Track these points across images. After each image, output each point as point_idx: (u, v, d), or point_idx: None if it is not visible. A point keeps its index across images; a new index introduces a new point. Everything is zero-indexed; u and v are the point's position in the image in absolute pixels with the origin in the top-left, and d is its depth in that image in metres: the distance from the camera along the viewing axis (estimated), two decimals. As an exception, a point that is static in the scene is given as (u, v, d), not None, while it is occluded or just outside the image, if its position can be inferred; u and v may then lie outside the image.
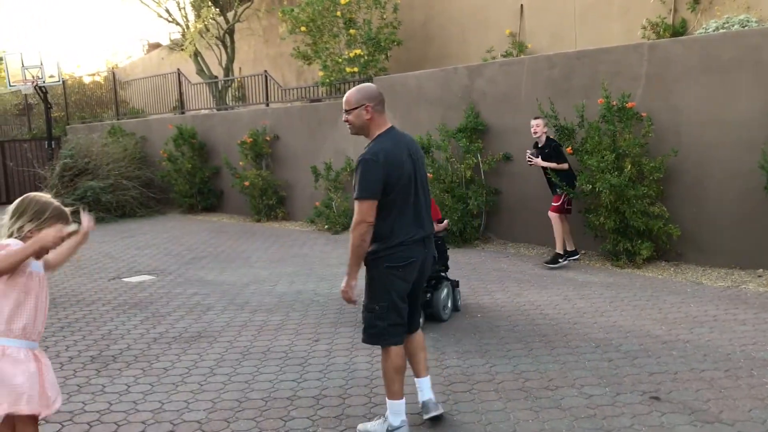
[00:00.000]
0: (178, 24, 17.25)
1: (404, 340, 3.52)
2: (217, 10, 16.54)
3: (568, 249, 7.52)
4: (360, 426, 3.65)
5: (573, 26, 10.95)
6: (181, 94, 15.58)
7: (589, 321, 5.48)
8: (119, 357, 5.02)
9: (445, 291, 5.66)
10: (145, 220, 13.15)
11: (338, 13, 11.89)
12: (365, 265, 3.44)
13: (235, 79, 16.65)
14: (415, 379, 3.74)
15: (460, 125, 9.03)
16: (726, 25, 8.12)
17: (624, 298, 6.12)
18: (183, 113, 15.44)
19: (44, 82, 15.10)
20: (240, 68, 17.71)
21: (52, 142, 15.67)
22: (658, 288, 6.46)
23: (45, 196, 2.86)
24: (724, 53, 6.95)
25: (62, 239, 2.70)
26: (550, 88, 8.27)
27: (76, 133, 16.71)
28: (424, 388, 3.71)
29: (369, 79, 11.50)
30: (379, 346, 3.52)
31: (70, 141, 15.28)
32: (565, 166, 7.39)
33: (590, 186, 7.26)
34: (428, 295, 5.46)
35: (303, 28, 12.36)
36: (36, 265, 2.79)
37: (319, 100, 12.71)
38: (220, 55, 16.85)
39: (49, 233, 2.65)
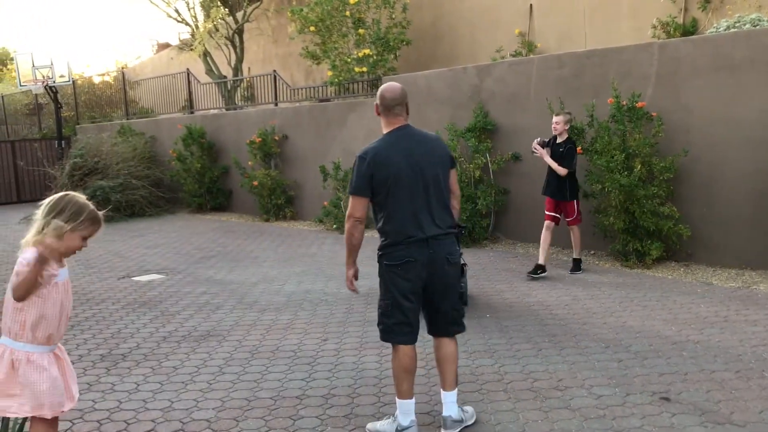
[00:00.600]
0: (187, 24, 17.35)
1: (414, 340, 3.50)
2: (227, 10, 16.61)
3: (540, 262, 7.04)
4: (369, 425, 3.65)
5: (582, 26, 10.93)
6: (190, 93, 15.62)
7: (598, 321, 5.46)
8: (129, 355, 5.04)
9: None
10: (154, 219, 13.20)
11: (347, 13, 11.91)
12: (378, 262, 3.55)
13: (244, 79, 16.70)
14: (441, 389, 3.63)
15: (469, 125, 9.02)
16: (737, 25, 8.06)
17: (634, 299, 6.10)
18: (192, 113, 15.49)
19: (54, 82, 15.19)
20: (249, 68, 17.77)
21: (62, 142, 15.79)
22: (668, 288, 6.43)
23: (82, 197, 2.82)
24: (735, 52, 6.90)
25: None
26: (559, 87, 8.25)
27: (85, 133, 16.80)
28: (447, 402, 3.57)
29: (378, 79, 11.52)
30: (390, 345, 3.54)
31: (79, 140, 15.37)
32: (564, 171, 6.89)
33: (600, 186, 7.22)
34: None
35: (312, 28, 12.38)
36: (62, 275, 2.79)
37: (327, 100, 12.72)
38: (229, 55, 16.91)
39: (52, 245, 2.68)
